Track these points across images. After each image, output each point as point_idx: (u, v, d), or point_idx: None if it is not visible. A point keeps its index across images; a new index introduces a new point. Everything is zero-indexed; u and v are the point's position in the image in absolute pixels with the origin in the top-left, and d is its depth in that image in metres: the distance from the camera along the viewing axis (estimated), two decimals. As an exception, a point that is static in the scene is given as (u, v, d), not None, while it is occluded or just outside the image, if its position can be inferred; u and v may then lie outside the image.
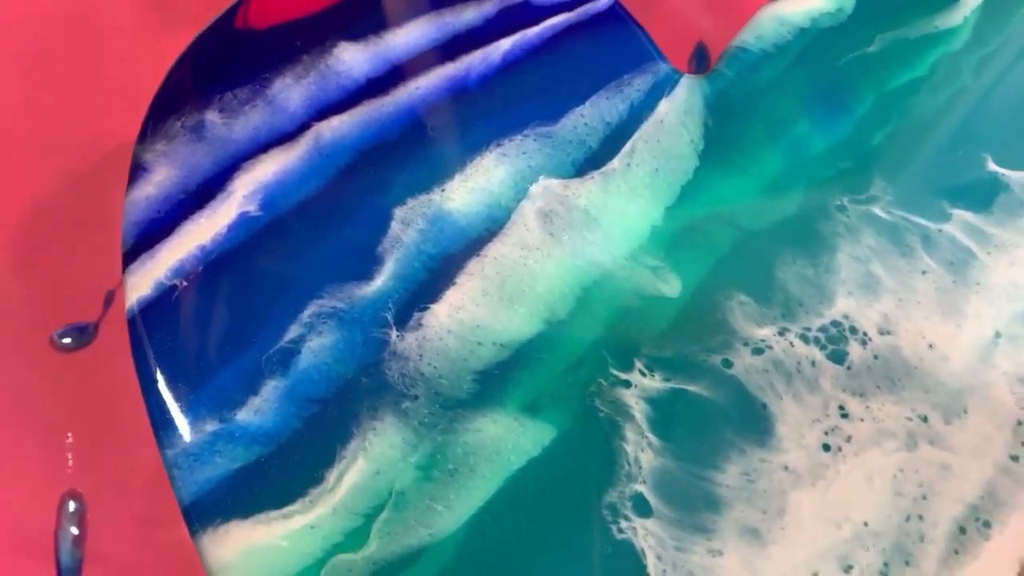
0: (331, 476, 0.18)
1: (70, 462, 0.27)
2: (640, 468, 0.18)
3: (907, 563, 0.17)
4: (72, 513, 0.26)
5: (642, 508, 0.18)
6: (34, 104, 0.31)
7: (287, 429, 0.19)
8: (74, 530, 0.26)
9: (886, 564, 0.17)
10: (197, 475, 0.18)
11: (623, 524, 0.17)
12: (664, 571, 0.17)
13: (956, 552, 0.17)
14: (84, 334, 0.29)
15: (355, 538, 0.18)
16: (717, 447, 0.18)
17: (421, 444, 0.18)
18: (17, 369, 0.28)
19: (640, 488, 0.18)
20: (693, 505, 0.18)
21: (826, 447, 0.18)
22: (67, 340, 0.28)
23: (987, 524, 0.17)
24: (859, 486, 0.18)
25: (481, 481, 0.18)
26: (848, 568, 0.17)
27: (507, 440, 0.18)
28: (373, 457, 0.18)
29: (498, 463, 0.18)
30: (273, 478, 0.18)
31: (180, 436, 0.19)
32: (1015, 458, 0.18)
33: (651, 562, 0.17)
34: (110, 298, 0.29)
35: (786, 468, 0.18)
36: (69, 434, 0.27)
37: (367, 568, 0.17)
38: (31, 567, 0.25)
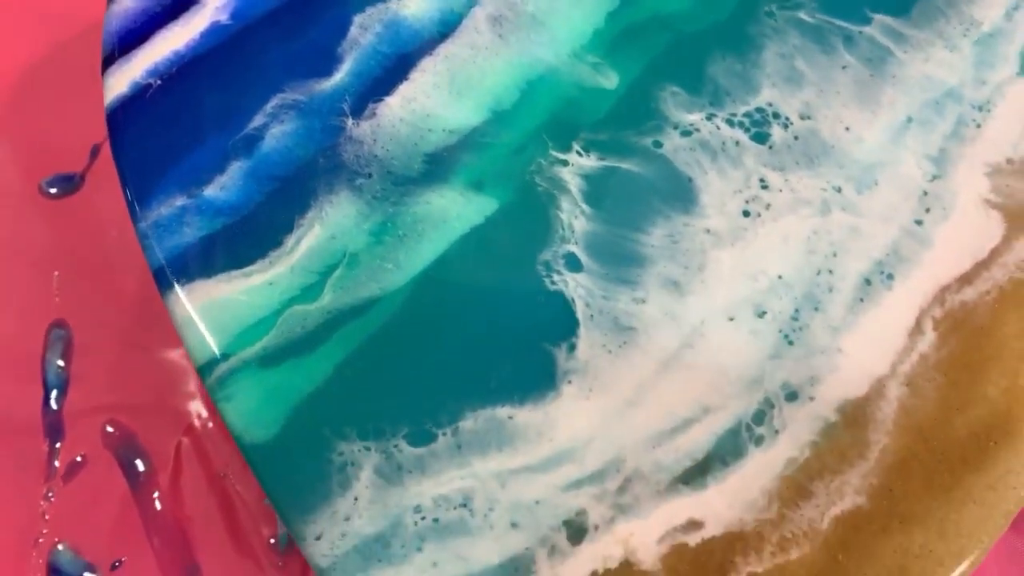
0: (289, 240, 0.20)
1: (57, 297, 0.28)
2: (573, 232, 0.19)
3: (816, 309, 0.19)
4: (58, 339, 0.28)
5: (573, 264, 0.19)
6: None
7: (249, 202, 0.20)
8: (60, 357, 0.28)
9: (797, 310, 0.19)
10: (166, 243, 0.20)
11: (555, 278, 0.19)
12: (591, 316, 0.19)
13: (861, 300, 0.19)
14: (71, 183, 0.30)
15: (310, 292, 0.19)
16: (644, 214, 0.19)
17: (373, 214, 0.20)
18: (7, 213, 0.30)
19: (572, 248, 0.19)
20: (620, 261, 0.19)
21: (746, 213, 0.19)
22: (54, 189, 0.30)
23: (891, 276, 0.19)
24: (775, 245, 0.19)
25: (428, 244, 0.19)
26: (762, 314, 0.19)
27: (453, 210, 0.20)
28: (329, 224, 0.20)
29: (444, 229, 0.20)
30: (235, 244, 0.20)
31: (151, 210, 0.20)
32: (919, 222, 0.19)
33: (580, 309, 0.19)
34: (96, 151, 0.31)
35: (708, 231, 0.19)
36: (56, 272, 0.29)
37: (321, 317, 0.19)
38: (20, 389, 0.27)
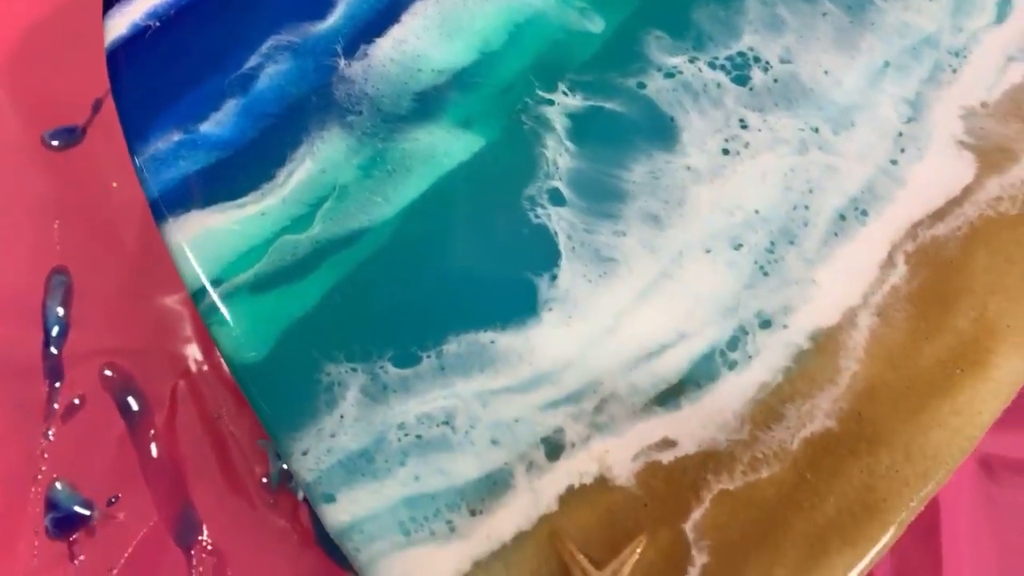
0: (281, 174, 0.20)
1: (58, 245, 0.29)
2: (557, 168, 0.20)
3: (791, 243, 0.19)
4: (59, 285, 0.28)
5: (557, 199, 0.20)
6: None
7: (243, 138, 0.21)
8: (61, 303, 0.28)
9: (772, 243, 0.19)
10: (163, 175, 0.20)
11: (539, 211, 0.20)
12: (573, 248, 0.19)
13: (836, 235, 0.19)
14: (72, 136, 0.31)
15: (301, 223, 0.20)
16: (627, 151, 0.20)
17: (363, 149, 0.20)
18: (10, 164, 0.30)
19: (556, 184, 0.20)
20: (602, 196, 0.20)
21: (725, 151, 0.20)
22: (56, 142, 0.31)
23: (865, 213, 0.19)
24: (753, 182, 0.20)
25: (416, 179, 0.20)
26: (738, 246, 0.19)
27: (441, 147, 0.20)
28: (319, 159, 0.20)
29: (432, 165, 0.20)
30: (229, 176, 0.20)
31: (148, 145, 0.21)
32: (894, 162, 0.20)
33: (562, 240, 0.19)
34: (98, 105, 0.31)
35: (688, 168, 0.20)
36: (57, 221, 0.29)
37: (311, 246, 0.19)
38: (22, 333, 0.28)
